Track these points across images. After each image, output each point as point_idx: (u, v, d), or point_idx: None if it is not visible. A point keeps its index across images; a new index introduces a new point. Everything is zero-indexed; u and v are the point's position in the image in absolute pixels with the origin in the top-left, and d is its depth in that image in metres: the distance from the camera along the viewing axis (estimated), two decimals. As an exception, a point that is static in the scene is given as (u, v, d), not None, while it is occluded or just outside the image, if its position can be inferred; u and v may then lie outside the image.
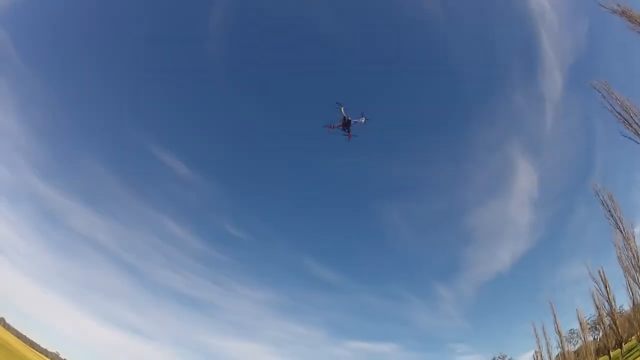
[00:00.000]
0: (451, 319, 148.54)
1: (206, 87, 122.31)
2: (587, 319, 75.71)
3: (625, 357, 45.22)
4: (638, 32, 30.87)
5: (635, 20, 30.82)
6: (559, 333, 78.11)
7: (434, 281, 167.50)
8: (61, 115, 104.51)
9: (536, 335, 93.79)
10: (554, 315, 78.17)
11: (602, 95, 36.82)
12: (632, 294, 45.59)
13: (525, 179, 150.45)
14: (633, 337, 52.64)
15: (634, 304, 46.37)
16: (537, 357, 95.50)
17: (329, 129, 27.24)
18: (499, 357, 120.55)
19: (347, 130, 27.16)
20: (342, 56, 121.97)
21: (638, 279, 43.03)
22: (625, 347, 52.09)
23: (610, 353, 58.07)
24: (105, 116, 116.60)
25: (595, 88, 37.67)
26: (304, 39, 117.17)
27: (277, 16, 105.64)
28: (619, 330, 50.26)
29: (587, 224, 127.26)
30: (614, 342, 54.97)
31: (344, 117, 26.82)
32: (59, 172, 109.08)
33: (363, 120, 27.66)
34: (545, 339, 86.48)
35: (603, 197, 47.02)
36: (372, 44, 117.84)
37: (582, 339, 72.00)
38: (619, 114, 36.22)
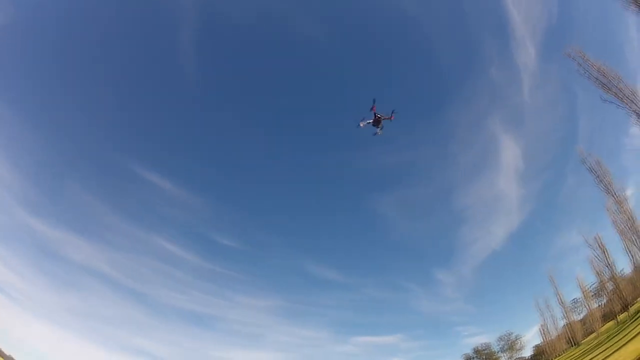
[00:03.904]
0: (453, 303, 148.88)
1: (182, 101, 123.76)
2: (588, 286, 76.06)
3: (633, 319, 44.81)
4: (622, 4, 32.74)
5: None
6: (563, 304, 78.69)
7: (432, 267, 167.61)
8: (40, 147, 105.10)
9: (540, 309, 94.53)
10: (556, 287, 78.58)
11: (578, 63, 38.43)
12: (632, 256, 45.32)
13: (510, 153, 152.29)
14: (639, 300, 52.41)
15: (634, 266, 46.17)
16: (543, 330, 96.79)
17: (361, 125, 28.92)
18: (505, 335, 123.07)
19: (379, 126, 29.00)
20: (315, 46, 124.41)
21: (636, 241, 43.14)
22: (631, 309, 51.99)
23: (618, 317, 58.37)
24: (84, 142, 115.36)
25: (570, 56, 39.40)
26: (278, 40, 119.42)
27: (249, 23, 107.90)
28: (623, 293, 50.78)
29: (577, 191, 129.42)
30: (619, 306, 55.35)
31: (375, 114, 28.62)
32: (48, 205, 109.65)
33: (392, 117, 29.61)
34: (550, 312, 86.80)
35: (590, 163, 46.79)
36: (344, 31, 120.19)
37: (587, 306, 71.90)
38: (597, 79, 37.44)
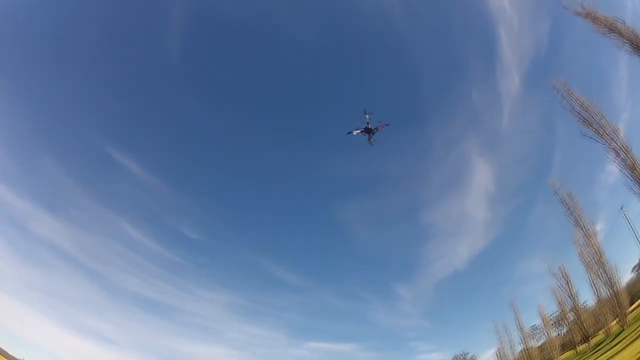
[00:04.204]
0: (411, 318, 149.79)
1: (163, 88, 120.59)
2: (549, 315, 77.66)
3: (593, 350, 45.86)
4: (603, 33, 31.63)
5: (600, 22, 31.57)
6: (521, 329, 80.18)
7: (392, 280, 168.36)
8: (18, 117, 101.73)
9: (498, 332, 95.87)
10: (515, 312, 79.92)
11: (562, 96, 37.72)
12: (596, 290, 46.06)
13: (482, 175, 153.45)
14: (600, 332, 53.43)
15: (598, 299, 46.78)
16: (499, 354, 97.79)
17: (353, 133, 28.82)
18: (460, 354, 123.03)
19: (370, 135, 29.09)
20: (298, 54, 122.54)
21: (601, 275, 43.86)
22: (592, 341, 53.19)
23: (578, 348, 59.33)
24: (64, 118, 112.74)
25: (554, 88, 38.68)
26: (261, 38, 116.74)
27: (232, 16, 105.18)
28: (585, 325, 51.37)
29: (545, 221, 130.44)
30: (579, 337, 56.20)
31: (367, 124, 28.73)
32: (19, 175, 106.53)
33: (383, 128, 29.47)
34: (508, 336, 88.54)
35: (562, 195, 47.93)
36: (329, 39, 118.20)
37: (546, 334, 73.58)
38: (579, 113, 36.84)
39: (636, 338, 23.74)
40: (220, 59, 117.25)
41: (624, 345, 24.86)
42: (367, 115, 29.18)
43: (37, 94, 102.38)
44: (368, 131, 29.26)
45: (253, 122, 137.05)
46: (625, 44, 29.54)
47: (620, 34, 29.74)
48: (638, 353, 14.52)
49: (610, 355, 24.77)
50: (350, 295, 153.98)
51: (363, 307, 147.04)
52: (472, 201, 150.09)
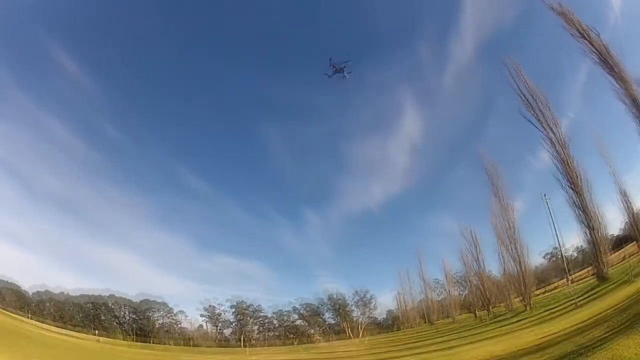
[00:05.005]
0: (316, 245, 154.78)
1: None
2: (453, 273, 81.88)
3: (492, 320, 47.23)
4: (573, 35, 33.12)
5: (574, 25, 32.92)
6: (424, 280, 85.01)
7: (303, 205, 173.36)
8: None
9: (400, 277, 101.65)
10: (420, 261, 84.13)
11: (511, 74, 38.87)
12: (504, 262, 47.67)
13: (411, 125, 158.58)
14: (502, 305, 54.15)
15: (504, 272, 48.77)
16: (399, 299, 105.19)
17: (330, 76, 34.10)
18: (361, 291, 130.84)
19: (342, 72, 33.81)
20: None
21: (511, 249, 45.31)
22: (493, 311, 54.87)
23: (476, 312, 64.81)
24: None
25: (505, 65, 40.16)
26: None
27: None
28: (487, 292, 56.11)
29: (465, 184, 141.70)
30: (481, 302, 61.42)
31: (334, 67, 33.71)
32: None
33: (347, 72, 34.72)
34: (409, 283, 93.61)
35: (487, 164, 49.30)
36: None
37: (448, 291, 77.68)
38: (524, 95, 38.38)
39: (539, 322, 24.55)
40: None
41: (525, 325, 25.66)
42: (331, 62, 33.85)
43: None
44: (339, 70, 33.77)
45: (189, 27, 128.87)
46: (593, 54, 30.64)
47: (590, 43, 30.40)
48: (538, 338, 15.82)
49: (510, 330, 25.59)
50: (260, 212, 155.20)
51: (271, 226, 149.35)
52: (396, 146, 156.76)
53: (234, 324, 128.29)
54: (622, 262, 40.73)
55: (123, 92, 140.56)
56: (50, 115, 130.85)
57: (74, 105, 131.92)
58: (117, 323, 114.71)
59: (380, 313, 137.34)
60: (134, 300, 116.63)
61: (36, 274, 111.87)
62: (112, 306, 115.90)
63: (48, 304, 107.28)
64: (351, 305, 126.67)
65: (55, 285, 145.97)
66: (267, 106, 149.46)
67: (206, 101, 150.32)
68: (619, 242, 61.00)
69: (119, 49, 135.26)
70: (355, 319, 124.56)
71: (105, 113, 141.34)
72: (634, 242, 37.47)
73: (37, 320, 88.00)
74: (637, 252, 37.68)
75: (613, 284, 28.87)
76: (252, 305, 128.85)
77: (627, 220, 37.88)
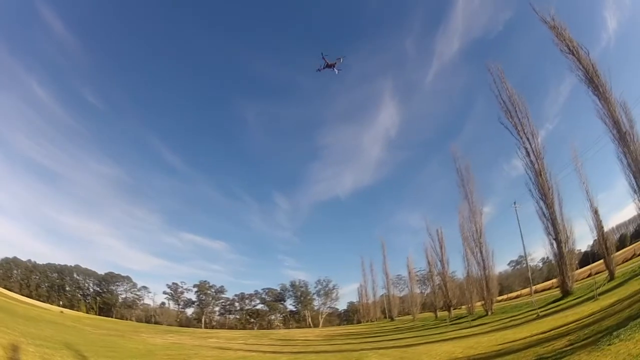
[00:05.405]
0: (284, 230, 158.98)
1: None
2: (417, 270, 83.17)
3: (453, 322, 47.41)
4: (562, 50, 33.32)
5: (564, 40, 33.13)
6: (387, 274, 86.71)
7: (272, 188, 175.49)
8: None
9: (363, 270, 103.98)
10: (384, 256, 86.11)
11: (494, 79, 39.05)
12: (468, 265, 48.60)
13: (387, 117, 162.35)
14: (463, 307, 54.68)
15: (468, 275, 49.39)
16: (361, 291, 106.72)
17: (320, 70, 33.17)
18: (324, 280, 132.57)
19: (333, 68, 32.95)
20: None
21: (476, 254, 46.12)
22: (454, 312, 55.68)
23: (437, 312, 66.43)
24: None
25: (489, 69, 40.40)
26: None
27: None
28: (449, 293, 57.19)
29: (435, 182, 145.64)
30: (442, 302, 62.78)
31: (326, 62, 32.87)
32: None
33: (340, 61, 33.67)
34: (372, 276, 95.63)
35: (459, 165, 49.56)
36: None
37: (410, 287, 78.86)
38: (504, 102, 38.98)
39: (500, 329, 24.45)
40: None
41: (485, 330, 25.42)
42: (323, 56, 32.98)
43: None
44: (330, 66, 32.95)
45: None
46: (579, 71, 31.03)
47: (579, 59, 30.53)
48: (498, 344, 15.90)
49: (471, 333, 25.30)
50: (230, 193, 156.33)
51: (240, 207, 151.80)
52: (370, 137, 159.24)
53: (196, 304, 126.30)
54: (588, 279, 41.94)
55: (107, 57, 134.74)
56: (32, 77, 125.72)
57: (58, 68, 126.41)
58: (81, 295, 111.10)
59: (341, 304, 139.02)
60: (99, 273, 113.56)
61: (7, 240, 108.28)
62: (77, 277, 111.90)
63: (15, 272, 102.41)
64: (313, 294, 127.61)
65: (25, 253, 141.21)
66: (249, 82, 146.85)
67: (189, 72, 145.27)
68: (587, 258, 63.79)
69: (108, 16, 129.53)
70: (316, 308, 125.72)
71: (87, 79, 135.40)
72: (602, 260, 38.62)
73: (4, 288, 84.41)
74: (604, 270, 38.50)
75: (577, 298, 29.15)
76: (214, 285, 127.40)
77: (596, 237, 38.87)
